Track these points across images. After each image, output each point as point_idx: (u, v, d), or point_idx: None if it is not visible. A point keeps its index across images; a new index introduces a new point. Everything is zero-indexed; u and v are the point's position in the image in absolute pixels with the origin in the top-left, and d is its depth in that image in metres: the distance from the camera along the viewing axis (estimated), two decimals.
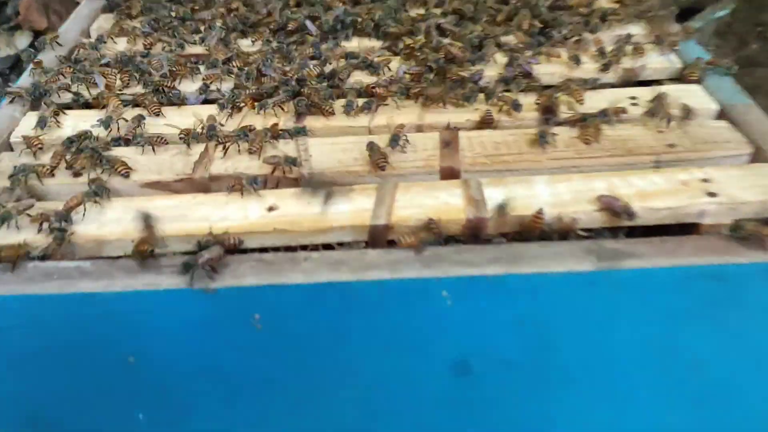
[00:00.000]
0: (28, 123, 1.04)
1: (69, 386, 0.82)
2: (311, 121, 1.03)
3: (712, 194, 0.87)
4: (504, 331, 0.80)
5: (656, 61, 1.18)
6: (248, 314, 0.77)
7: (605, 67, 1.14)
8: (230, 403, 0.84)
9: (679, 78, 1.16)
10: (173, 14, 1.34)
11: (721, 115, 1.04)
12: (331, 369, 0.82)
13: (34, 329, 0.77)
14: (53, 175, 0.92)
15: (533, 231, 0.84)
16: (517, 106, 1.02)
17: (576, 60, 1.16)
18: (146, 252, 0.77)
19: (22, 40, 1.82)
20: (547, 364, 0.82)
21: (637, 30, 1.28)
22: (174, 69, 1.13)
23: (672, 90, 1.09)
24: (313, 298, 0.76)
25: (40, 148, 0.96)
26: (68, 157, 0.93)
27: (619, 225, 0.85)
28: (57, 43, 1.24)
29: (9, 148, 1.01)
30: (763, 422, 0.87)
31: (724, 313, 0.80)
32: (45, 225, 0.81)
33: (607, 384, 0.85)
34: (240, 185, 0.87)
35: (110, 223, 0.84)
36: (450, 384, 0.84)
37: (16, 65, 1.84)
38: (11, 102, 1.08)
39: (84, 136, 0.97)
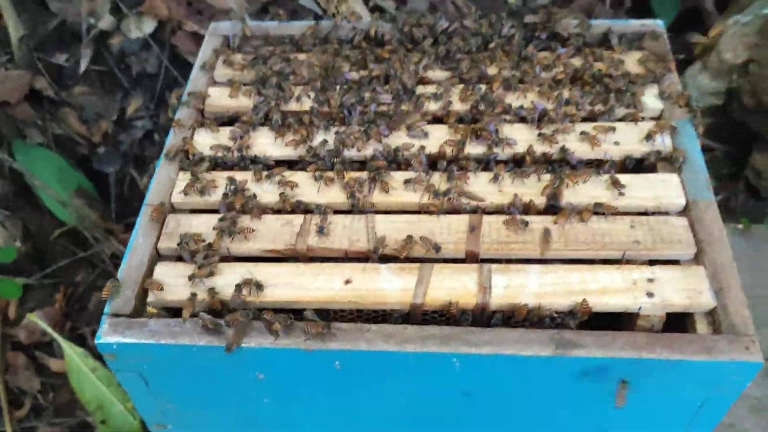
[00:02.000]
0: (183, 183, 1.48)
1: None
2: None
3: (650, 294, 1.25)
4: (490, 384, 1.26)
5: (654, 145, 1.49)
6: (332, 361, 1.25)
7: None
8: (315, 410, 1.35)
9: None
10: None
11: (687, 208, 1.38)
12: (373, 396, 1.32)
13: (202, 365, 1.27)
14: (204, 241, 1.38)
15: (520, 315, 1.25)
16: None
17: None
18: (273, 330, 1.24)
19: (148, 25, 2.19)
20: (507, 398, 1.29)
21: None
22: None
23: (653, 179, 1.42)
24: (370, 358, 1.23)
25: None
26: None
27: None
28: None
29: (172, 207, 1.46)
30: None
31: (635, 388, 1.22)
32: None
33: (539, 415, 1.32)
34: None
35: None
36: (457, 404, 1.32)
37: (144, 47, 2.23)
38: (168, 162, 1.52)
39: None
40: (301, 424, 1.46)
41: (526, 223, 1.34)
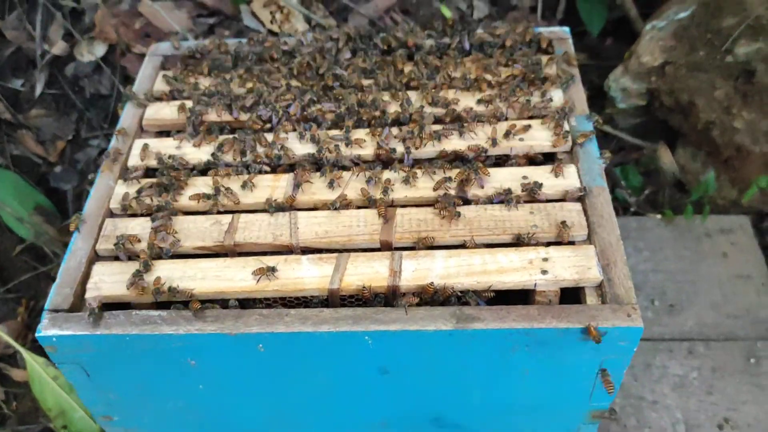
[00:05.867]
0: (120, 191, 1.59)
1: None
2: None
3: (544, 272, 1.37)
4: (401, 356, 1.37)
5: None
6: (255, 344, 1.36)
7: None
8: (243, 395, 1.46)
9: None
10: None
11: (583, 194, 1.51)
12: (299, 377, 1.42)
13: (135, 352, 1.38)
14: (140, 241, 1.49)
15: (428, 294, 1.37)
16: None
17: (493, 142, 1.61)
18: (197, 308, 1.35)
19: (99, 49, 2.32)
20: (420, 373, 1.41)
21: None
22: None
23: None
24: (290, 339, 1.34)
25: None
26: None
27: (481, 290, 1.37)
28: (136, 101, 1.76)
29: (110, 212, 1.58)
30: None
31: (528, 355, 1.34)
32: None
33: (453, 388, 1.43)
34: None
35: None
36: (376, 382, 1.43)
37: (96, 70, 2.36)
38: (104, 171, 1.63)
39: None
40: (235, 409, 1.56)
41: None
